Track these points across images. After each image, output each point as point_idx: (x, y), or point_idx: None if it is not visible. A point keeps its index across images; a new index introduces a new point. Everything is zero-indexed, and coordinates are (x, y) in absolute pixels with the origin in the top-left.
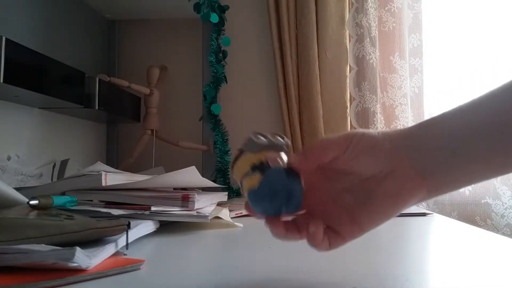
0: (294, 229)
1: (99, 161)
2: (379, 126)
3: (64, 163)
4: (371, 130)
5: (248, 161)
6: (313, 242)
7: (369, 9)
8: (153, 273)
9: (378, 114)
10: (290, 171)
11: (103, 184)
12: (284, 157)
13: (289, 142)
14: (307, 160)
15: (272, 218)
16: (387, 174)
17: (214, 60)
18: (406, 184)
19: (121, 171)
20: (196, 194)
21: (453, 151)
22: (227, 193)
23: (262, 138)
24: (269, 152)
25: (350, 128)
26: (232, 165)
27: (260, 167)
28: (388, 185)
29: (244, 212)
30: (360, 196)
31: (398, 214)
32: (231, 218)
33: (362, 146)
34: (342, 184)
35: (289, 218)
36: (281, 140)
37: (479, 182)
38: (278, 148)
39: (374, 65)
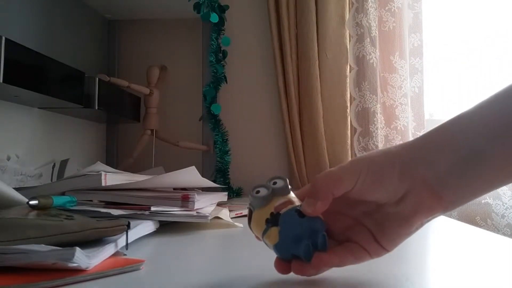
0: (316, 266)
1: (99, 161)
2: (379, 126)
3: (64, 163)
4: (375, 155)
5: (260, 218)
6: (334, 266)
7: (369, 9)
8: (153, 273)
9: (378, 114)
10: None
11: (103, 184)
12: (292, 195)
13: (287, 181)
14: (316, 207)
15: (299, 267)
16: (401, 198)
17: (214, 60)
18: (422, 205)
19: (121, 171)
20: (196, 194)
21: (465, 161)
22: (227, 193)
23: (263, 189)
24: (276, 198)
25: (350, 128)
26: (250, 226)
27: (273, 219)
28: (403, 208)
29: (244, 212)
30: (378, 220)
31: (415, 231)
32: (231, 218)
33: (371, 179)
34: (360, 209)
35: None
36: (281, 182)
37: (496, 189)
38: (281, 192)
39: (374, 65)
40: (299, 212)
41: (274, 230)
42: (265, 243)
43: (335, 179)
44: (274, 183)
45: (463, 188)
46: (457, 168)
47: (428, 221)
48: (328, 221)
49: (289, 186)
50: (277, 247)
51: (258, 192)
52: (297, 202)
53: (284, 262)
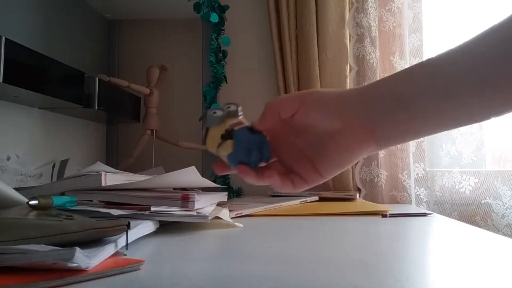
0: (261, 176)
1: (99, 161)
2: None
3: (63, 163)
4: (326, 90)
5: (215, 134)
6: (274, 186)
7: (369, 9)
8: (153, 273)
9: None
10: (253, 129)
11: (103, 184)
12: (242, 118)
13: (240, 106)
14: (264, 121)
15: (245, 169)
16: (339, 130)
17: (214, 60)
18: (356, 139)
19: (121, 171)
20: (196, 194)
21: (393, 109)
22: (227, 193)
23: (218, 111)
24: (228, 119)
25: None
26: (204, 143)
27: (228, 135)
28: (338, 140)
29: (244, 212)
30: (318, 149)
31: (353, 163)
32: (231, 218)
33: (312, 104)
34: (303, 137)
35: (263, 165)
36: (234, 106)
37: (423, 136)
38: (233, 114)
39: (374, 65)
40: (249, 129)
41: (229, 142)
42: (219, 155)
43: (282, 101)
44: (228, 107)
45: (392, 131)
46: (385, 115)
47: (367, 154)
48: (277, 148)
49: (240, 111)
50: (230, 156)
51: (215, 112)
52: (246, 123)
53: (224, 165)
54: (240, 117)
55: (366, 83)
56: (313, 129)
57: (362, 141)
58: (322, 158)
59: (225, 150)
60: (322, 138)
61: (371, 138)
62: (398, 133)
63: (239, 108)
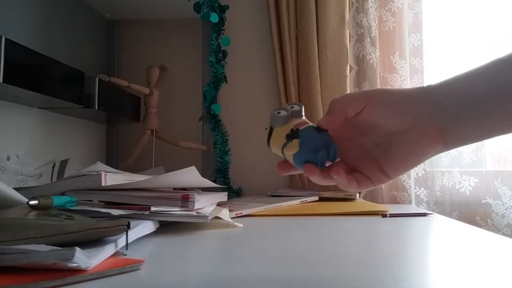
0: (327, 175)
1: (99, 161)
2: None
3: (63, 163)
4: (390, 88)
5: (280, 134)
6: (340, 184)
7: (369, 9)
8: (153, 273)
9: None
10: (319, 128)
11: (103, 184)
12: (305, 119)
13: (302, 106)
14: (332, 119)
15: (312, 167)
16: (408, 129)
17: (214, 60)
18: (425, 138)
19: (121, 171)
20: (196, 194)
21: (471, 108)
22: (227, 193)
23: (282, 111)
24: (292, 119)
25: None
26: (268, 143)
27: (294, 134)
28: (409, 139)
29: (244, 212)
30: (385, 148)
31: (419, 164)
32: (231, 218)
33: (380, 102)
34: (369, 137)
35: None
36: (297, 107)
37: (494, 137)
38: (297, 114)
39: (374, 65)
40: (315, 128)
41: (295, 142)
42: (283, 155)
43: (348, 99)
44: (292, 107)
45: (465, 131)
46: (462, 114)
47: (433, 155)
48: (342, 147)
49: (303, 112)
50: (296, 155)
51: (279, 113)
52: (310, 123)
53: (288, 164)
54: (304, 117)
55: (366, 83)
56: (380, 128)
57: (432, 141)
58: (390, 158)
59: (291, 150)
60: (389, 138)
61: (441, 138)
62: (471, 134)
63: (303, 108)
